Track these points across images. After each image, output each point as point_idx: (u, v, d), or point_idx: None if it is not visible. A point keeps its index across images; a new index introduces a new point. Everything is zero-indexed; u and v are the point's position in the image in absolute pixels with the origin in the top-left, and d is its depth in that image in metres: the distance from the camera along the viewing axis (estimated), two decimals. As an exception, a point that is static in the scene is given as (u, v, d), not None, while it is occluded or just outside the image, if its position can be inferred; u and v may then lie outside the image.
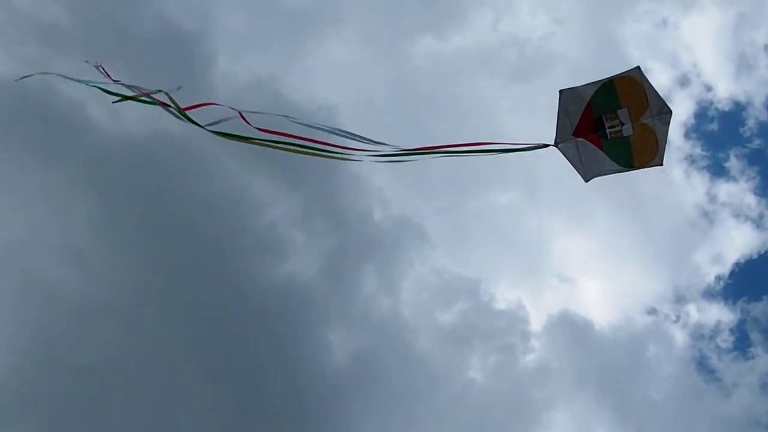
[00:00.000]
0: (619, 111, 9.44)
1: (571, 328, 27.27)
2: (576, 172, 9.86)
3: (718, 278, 25.12)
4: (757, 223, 25.05)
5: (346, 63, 26.50)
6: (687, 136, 26.73)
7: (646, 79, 9.34)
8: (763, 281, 24.72)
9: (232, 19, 25.42)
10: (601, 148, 9.61)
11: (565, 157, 9.73)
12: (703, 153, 26.47)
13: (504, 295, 27.77)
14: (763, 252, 24.59)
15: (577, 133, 9.59)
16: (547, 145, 9.61)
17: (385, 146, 9.77)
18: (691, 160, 26.38)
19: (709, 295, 25.32)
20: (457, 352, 27.90)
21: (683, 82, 26.91)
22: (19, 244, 20.07)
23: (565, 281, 28.47)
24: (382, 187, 27.91)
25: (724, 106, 26.12)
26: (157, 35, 22.39)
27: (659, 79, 27.63)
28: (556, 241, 29.04)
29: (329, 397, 25.89)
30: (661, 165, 9.75)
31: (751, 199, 25.27)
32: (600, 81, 9.41)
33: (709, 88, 26.16)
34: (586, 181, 9.81)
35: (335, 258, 27.48)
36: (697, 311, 25.43)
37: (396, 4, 26.20)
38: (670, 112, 9.41)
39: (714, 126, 26.56)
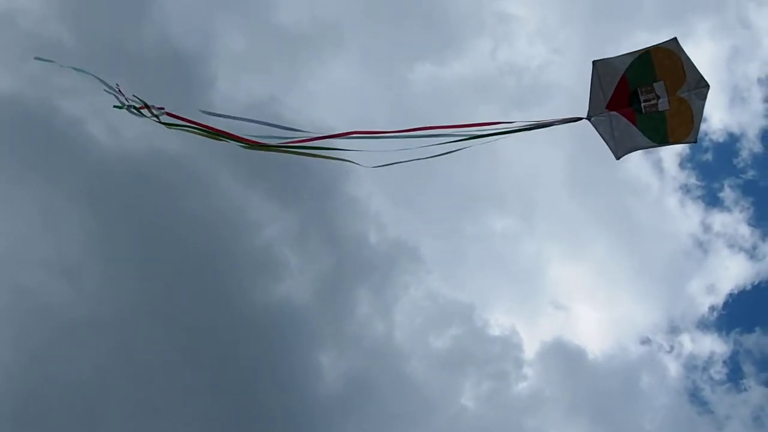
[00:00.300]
0: (655, 84, 8.99)
1: (564, 357, 27.17)
2: (607, 148, 9.33)
3: (712, 309, 25.12)
4: (751, 253, 25.11)
5: (346, 86, 26.76)
6: (682, 165, 26.91)
7: (684, 51, 8.86)
8: (756, 312, 24.73)
9: (233, 40, 25.75)
10: (634, 122, 9.11)
11: (598, 131, 9.22)
12: (698, 183, 26.62)
13: (498, 321, 27.74)
14: (756, 283, 24.61)
15: (610, 107, 9.08)
16: (579, 119, 9.13)
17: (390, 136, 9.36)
18: (686, 189, 26.53)
19: (703, 325, 25.30)
20: (450, 378, 27.77)
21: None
22: (12, 256, 20.17)
23: (560, 309, 28.44)
24: (378, 210, 28.00)
25: (719, 137, 26.34)
26: (157, 55, 22.70)
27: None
28: (552, 268, 29.07)
29: (320, 420, 25.73)
30: (695, 142, 9.41)
31: (745, 230, 25.36)
32: (636, 52, 8.94)
33: (703, 119, 26.27)
34: (618, 157, 9.29)
35: (330, 280, 27.50)
36: (691, 342, 25.37)
37: (396, 29, 26.54)
38: (708, 86, 8.98)
39: (708, 156, 26.76)
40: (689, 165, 26.86)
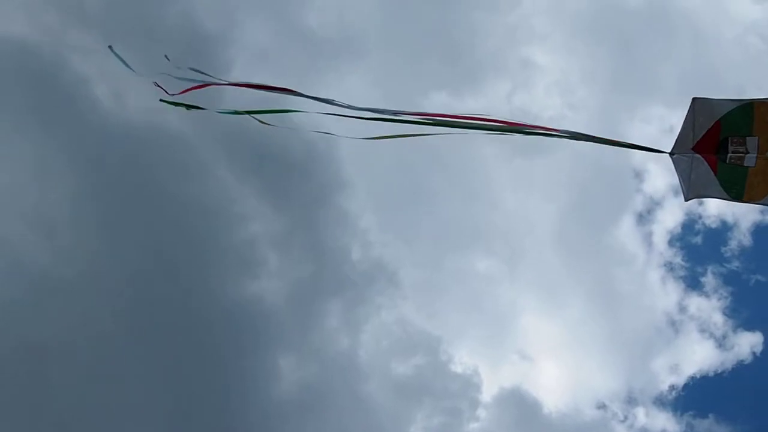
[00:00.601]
0: (748, 138, 8.57)
1: (520, 406, 27.11)
2: (680, 187, 8.98)
3: (672, 388, 25.15)
4: (720, 342, 25.22)
5: (356, 100, 26.72)
6: (671, 243, 27.04)
7: None
8: (714, 400, 24.77)
9: (257, 31, 25.70)
10: (715, 170, 8.73)
11: (675, 169, 8.88)
12: (683, 263, 26.75)
13: (462, 359, 27.62)
14: (719, 371, 24.67)
15: (696, 148, 8.71)
16: (661, 152, 8.87)
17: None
18: (670, 267, 26.66)
19: (660, 402, 25.30)
20: (405, 406, 27.64)
21: (678, 190, 27.25)
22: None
23: (525, 359, 28.41)
24: (367, 228, 27.99)
25: (712, 222, 26.52)
26: (178, 29, 22.59)
27: (657, 182, 28.10)
28: (525, 317, 29.05)
29: (268, 421, 25.54)
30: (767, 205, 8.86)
31: (718, 318, 25.48)
32: (739, 100, 8.54)
33: (700, 202, 26.52)
34: (687, 199, 9.01)
35: (305, 287, 27.38)
36: (645, 416, 25.35)
37: (420, 54, 26.61)
38: None
39: (698, 240, 26.94)
40: (678, 244, 27.03)
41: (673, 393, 24.75)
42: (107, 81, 21.48)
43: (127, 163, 22.36)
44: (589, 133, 9.04)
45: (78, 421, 20.27)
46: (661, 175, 28.03)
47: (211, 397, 24.52)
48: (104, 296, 22.47)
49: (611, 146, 9.11)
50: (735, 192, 8.76)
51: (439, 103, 27.70)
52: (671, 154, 8.86)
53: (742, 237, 25.77)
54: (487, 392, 27.08)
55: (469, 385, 27.35)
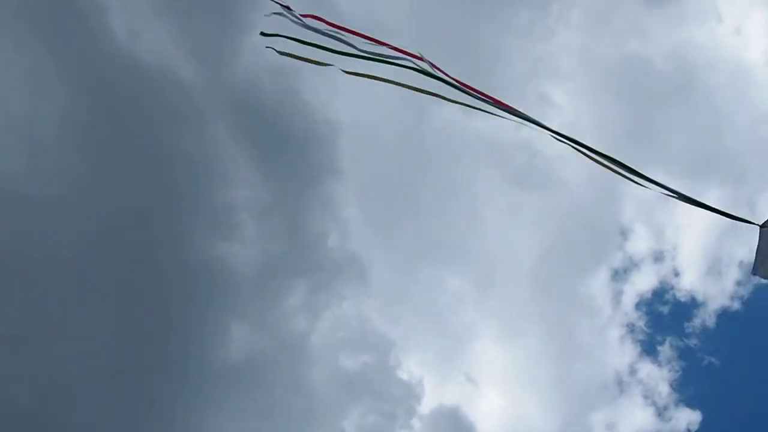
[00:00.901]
0: None
1: (454, 425, 27.29)
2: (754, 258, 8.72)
3: (605, 444, 25.29)
4: (660, 412, 25.39)
5: (366, 109, 26.77)
6: (638, 306, 27.14)
7: None
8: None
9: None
10: None
11: (759, 241, 8.73)
12: (645, 328, 26.89)
13: (410, 367, 27.85)
14: (654, 440, 24.87)
15: None
16: (752, 223, 8.69)
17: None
18: (632, 328, 26.77)
19: (590, 457, 25.47)
20: (343, 399, 27.80)
21: (658, 257, 27.40)
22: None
23: (470, 382, 28.60)
24: (349, 219, 28.09)
25: (683, 296, 26.62)
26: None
27: (639, 245, 28.16)
28: (480, 342, 29.19)
29: (206, 383, 25.71)
30: None
31: (664, 389, 25.63)
32: None
33: (676, 274, 26.66)
34: (754, 273, 8.89)
35: (275, 261, 27.49)
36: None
37: (439, 64, 26.50)
38: None
39: (665, 309, 27.06)
40: (645, 309, 27.15)
41: (604, 451, 24.92)
42: (127, 15, 21.46)
43: (126, 99, 22.34)
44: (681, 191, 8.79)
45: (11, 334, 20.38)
46: (645, 238, 28.11)
47: (154, 342, 24.68)
48: (74, 223, 22.53)
49: (698, 207, 8.89)
50: None
51: (448, 117, 27.79)
52: (762, 226, 8.72)
53: (707, 317, 25.90)
54: (427, 405, 27.28)
55: (410, 393, 27.53)
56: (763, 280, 9.03)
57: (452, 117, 29.11)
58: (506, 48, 27.66)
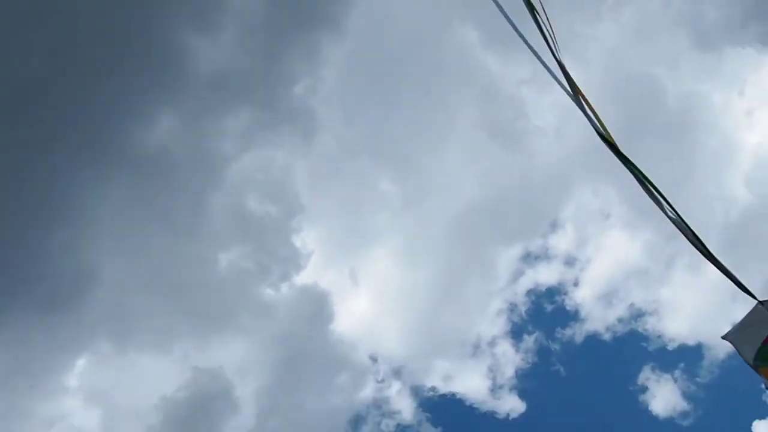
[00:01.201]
0: None
1: (316, 308, 27.91)
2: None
3: (432, 389, 26.63)
4: (494, 388, 26.48)
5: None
6: (528, 293, 28.10)
7: None
8: (453, 422, 26.68)
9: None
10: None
11: (749, 314, 8.82)
12: (523, 314, 27.97)
13: (307, 238, 28.50)
14: (474, 406, 26.47)
15: None
16: (752, 296, 8.68)
17: None
18: (512, 308, 27.79)
19: (415, 392, 26.75)
20: (231, 233, 27.80)
21: (569, 261, 28.44)
22: None
23: (352, 279, 29.77)
24: (325, 79, 27.56)
25: (569, 305, 27.83)
26: None
27: (560, 242, 29.03)
28: (380, 249, 29.93)
29: (116, 156, 25.11)
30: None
31: (509, 371, 26.83)
32: None
33: (575, 284, 27.87)
34: (723, 336, 8.96)
35: (234, 76, 26.56)
36: (397, 392, 26.81)
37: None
38: None
39: (549, 307, 28.25)
40: (533, 298, 28.31)
41: (430, 393, 26.45)
42: None
43: None
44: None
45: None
46: (568, 240, 28.94)
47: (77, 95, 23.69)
48: None
49: (710, 262, 8.79)
50: (760, 363, 8.80)
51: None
52: (761, 303, 8.67)
53: (577, 333, 27.39)
54: (302, 278, 27.76)
55: (294, 260, 27.94)
56: (729, 346, 9.31)
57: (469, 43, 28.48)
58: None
